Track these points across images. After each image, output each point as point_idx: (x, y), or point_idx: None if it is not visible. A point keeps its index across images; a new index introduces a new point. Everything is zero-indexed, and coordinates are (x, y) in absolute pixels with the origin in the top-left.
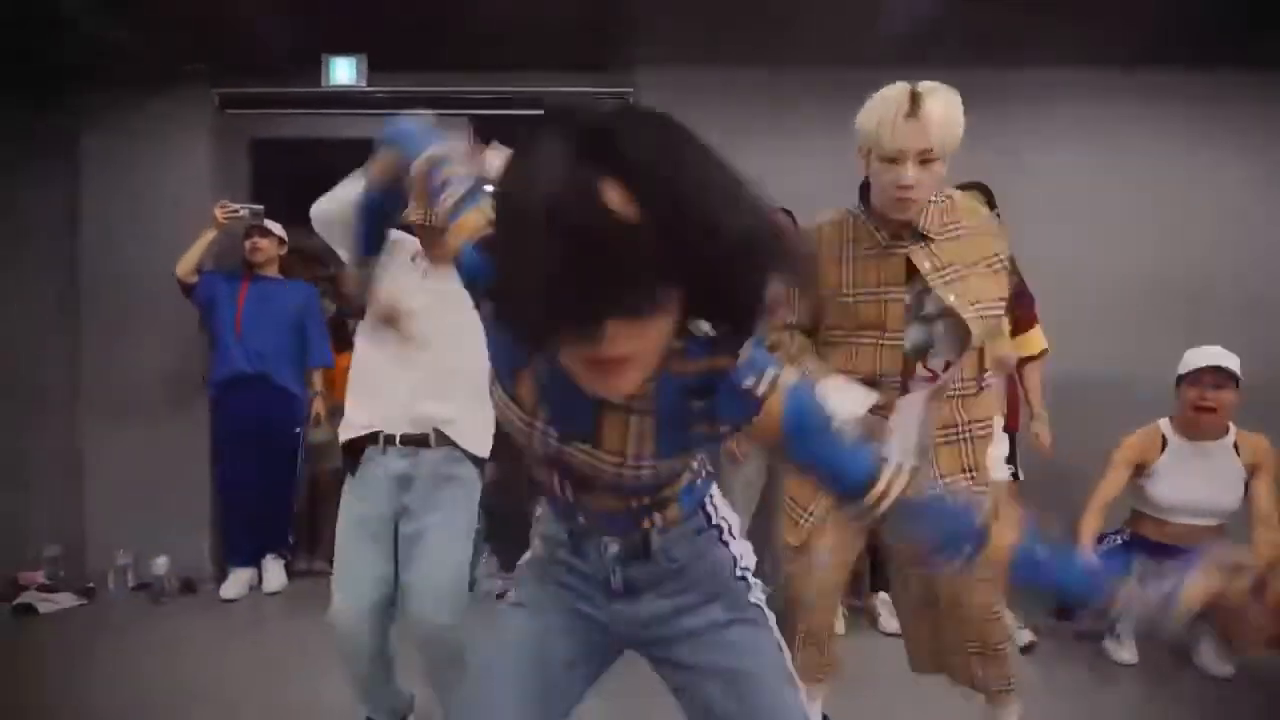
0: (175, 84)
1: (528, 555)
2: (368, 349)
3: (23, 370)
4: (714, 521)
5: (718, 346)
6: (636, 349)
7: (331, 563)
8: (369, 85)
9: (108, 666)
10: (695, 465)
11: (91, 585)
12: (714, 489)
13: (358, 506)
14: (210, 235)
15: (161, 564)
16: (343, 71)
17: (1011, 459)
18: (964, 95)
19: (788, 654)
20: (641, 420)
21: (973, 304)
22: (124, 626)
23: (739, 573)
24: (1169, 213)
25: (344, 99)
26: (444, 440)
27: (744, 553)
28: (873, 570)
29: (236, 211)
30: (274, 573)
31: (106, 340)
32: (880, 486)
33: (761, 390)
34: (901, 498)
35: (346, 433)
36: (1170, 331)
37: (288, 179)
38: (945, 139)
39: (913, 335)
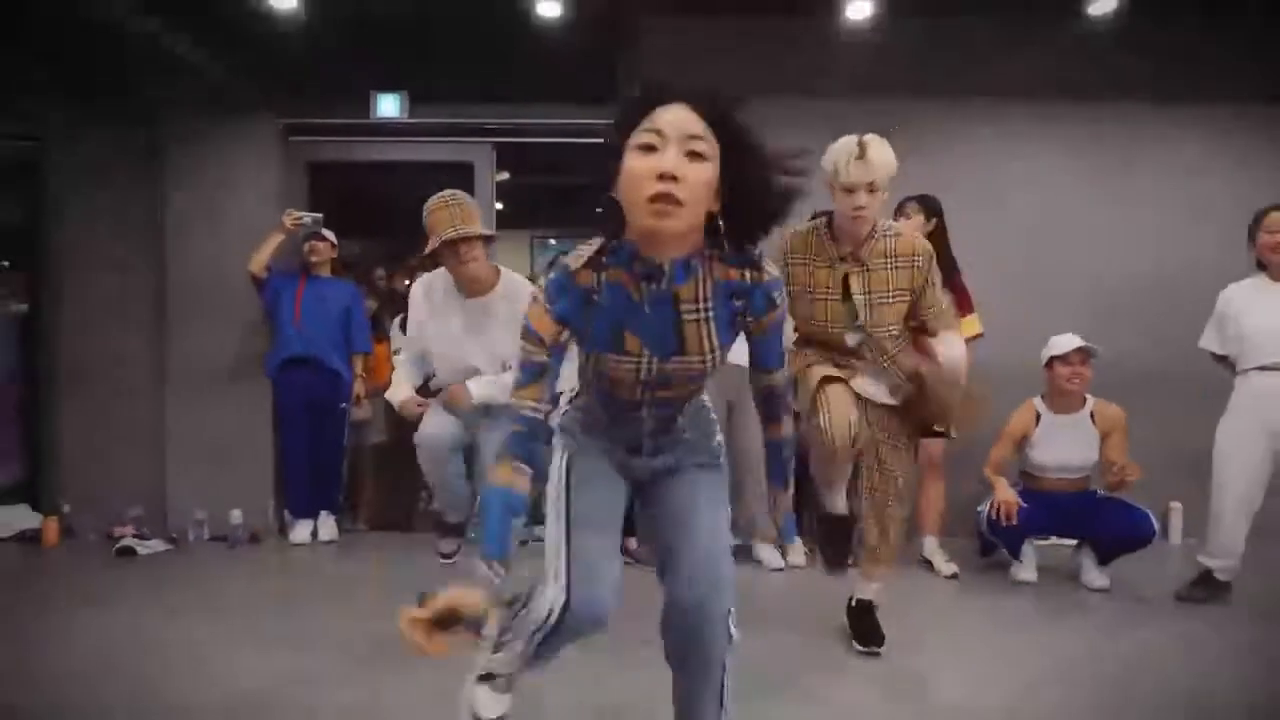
0: (248, 114)
1: (563, 416)
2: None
3: (116, 354)
4: (706, 406)
5: (741, 260)
6: (687, 175)
7: (372, 527)
8: (410, 117)
9: (194, 598)
10: None
11: (175, 536)
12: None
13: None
14: (278, 238)
15: (237, 516)
16: (387, 105)
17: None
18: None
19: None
20: (707, 323)
21: (887, 324)
22: (205, 567)
23: (716, 435)
24: (1084, 223)
25: (388, 129)
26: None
27: (718, 415)
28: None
29: (301, 219)
30: (328, 526)
31: (187, 329)
32: (782, 374)
33: (779, 299)
34: (779, 388)
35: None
36: (1061, 325)
37: (339, 195)
38: (884, 175)
39: (849, 337)
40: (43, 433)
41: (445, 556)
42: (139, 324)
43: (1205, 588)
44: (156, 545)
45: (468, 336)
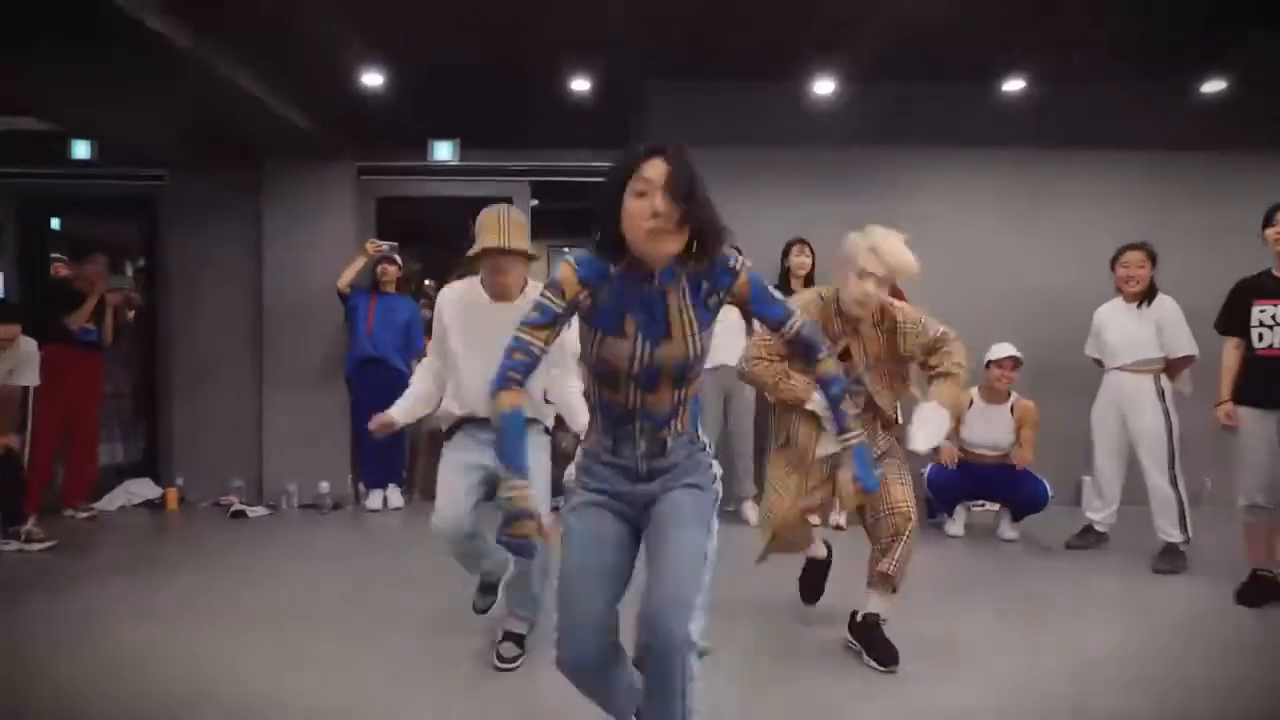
0: (329, 158)
1: (571, 472)
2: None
3: (221, 356)
4: (700, 440)
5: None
6: (670, 212)
7: (425, 497)
8: (461, 160)
9: (294, 551)
10: (698, 397)
11: (272, 504)
12: (700, 425)
13: (459, 456)
14: (361, 261)
15: (325, 487)
16: (443, 150)
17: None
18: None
19: (715, 518)
20: (686, 310)
21: (885, 387)
22: (300, 528)
23: (712, 470)
24: (1004, 249)
25: (443, 170)
26: None
27: (715, 462)
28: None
29: (381, 246)
30: (395, 496)
31: (279, 335)
32: (792, 321)
33: (736, 265)
34: (800, 331)
35: (447, 419)
36: (987, 333)
37: (401, 224)
38: (894, 270)
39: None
40: (160, 420)
41: (504, 660)
42: (240, 331)
43: (1087, 536)
44: (260, 510)
45: (492, 339)
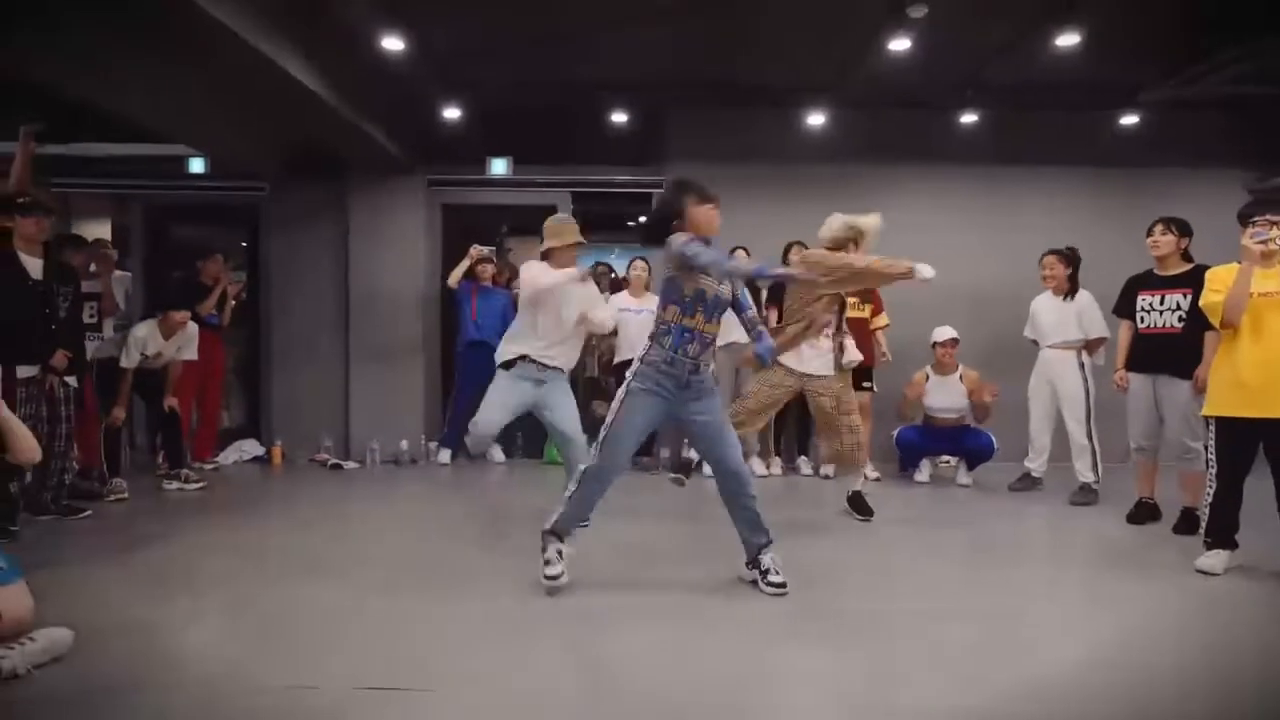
0: (405, 172)
1: (635, 370)
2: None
3: (313, 337)
4: (711, 373)
5: None
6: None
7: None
8: (514, 173)
9: (381, 496)
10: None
11: (359, 460)
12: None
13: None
14: (467, 263)
15: (404, 444)
16: (499, 166)
17: (869, 379)
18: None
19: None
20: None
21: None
22: (383, 479)
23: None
24: (964, 249)
25: (499, 181)
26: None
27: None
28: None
29: (483, 251)
30: (496, 453)
31: (361, 320)
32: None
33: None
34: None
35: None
36: (947, 318)
37: (463, 228)
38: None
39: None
40: (261, 390)
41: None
42: (329, 316)
43: (1025, 481)
44: (351, 464)
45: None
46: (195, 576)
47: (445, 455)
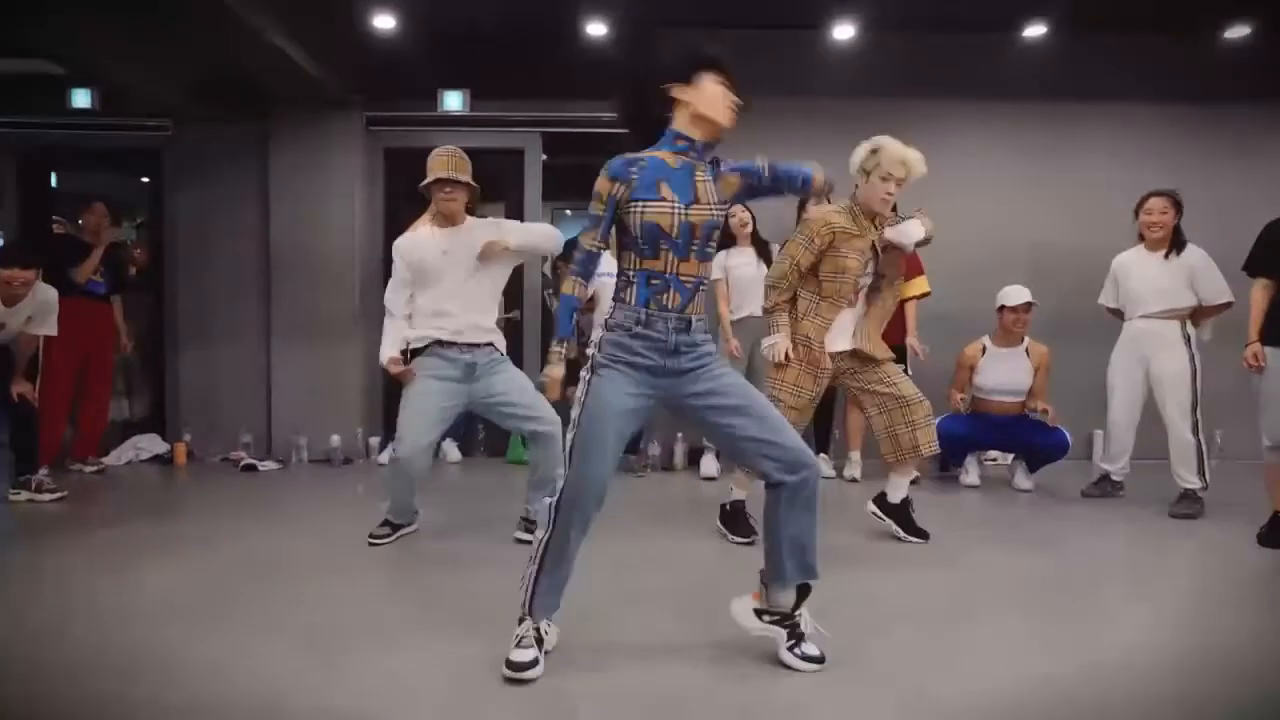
0: (338, 108)
1: (599, 341)
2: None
3: (228, 309)
4: (709, 335)
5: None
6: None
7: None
8: (471, 110)
9: (305, 502)
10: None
11: (282, 458)
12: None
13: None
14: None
15: (335, 440)
16: (453, 100)
17: (901, 359)
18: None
19: None
20: (708, 181)
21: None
22: (310, 481)
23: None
24: (1022, 200)
25: (453, 120)
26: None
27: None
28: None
29: None
30: (452, 451)
31: (287, 287)
32: (763, 164)
33: (722, 167)
34: (776, 167)
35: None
36: (1006, 281)
37: (410, 177)
38: (910, 167)
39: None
40: (167, 374)
41: (375, 539)
42: (247, 283)
43: (1103, 485)
44: (270, 465)
45: (445, 260)
46: None
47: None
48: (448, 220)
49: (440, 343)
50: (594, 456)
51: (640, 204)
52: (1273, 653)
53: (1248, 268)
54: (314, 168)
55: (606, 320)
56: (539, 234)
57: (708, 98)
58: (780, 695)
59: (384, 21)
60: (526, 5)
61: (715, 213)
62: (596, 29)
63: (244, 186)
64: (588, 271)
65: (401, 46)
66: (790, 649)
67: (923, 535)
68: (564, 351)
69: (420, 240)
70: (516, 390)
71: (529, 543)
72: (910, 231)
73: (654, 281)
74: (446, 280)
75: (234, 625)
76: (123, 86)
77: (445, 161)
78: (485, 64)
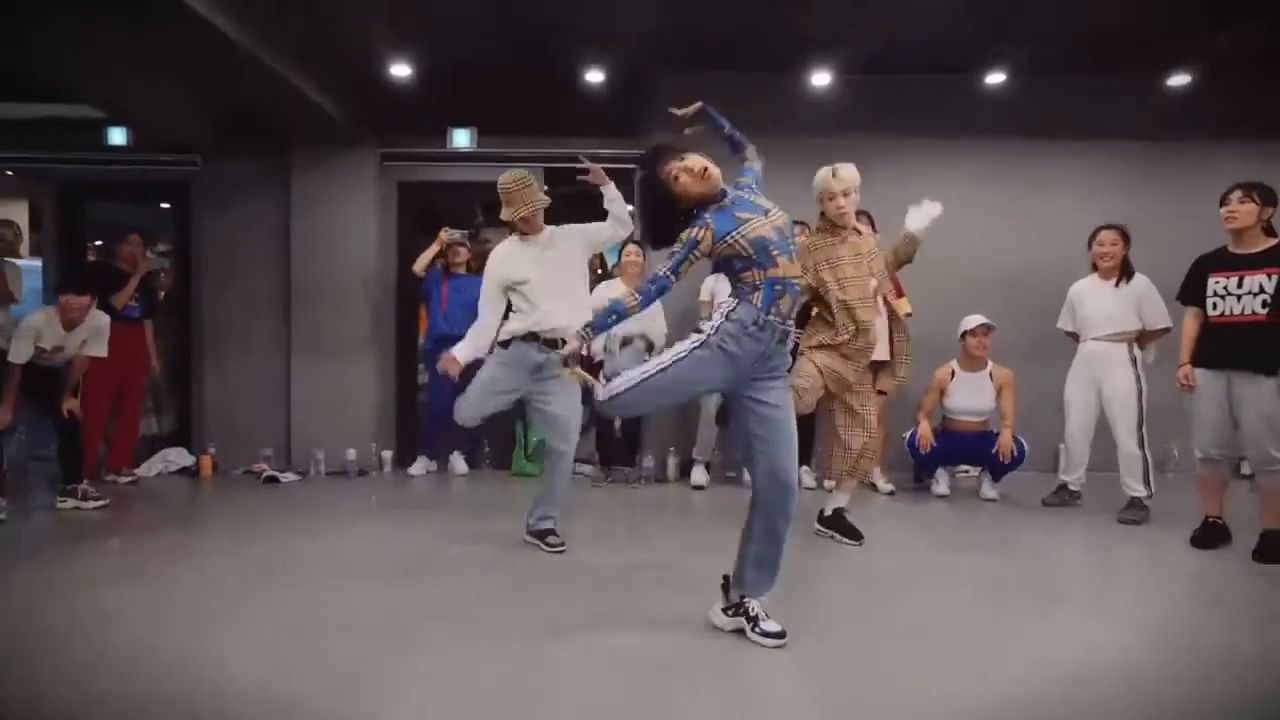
0: (354, 145)
1: (719, 327)
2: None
3: (250, 330)
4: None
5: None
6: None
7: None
8: (478, 147)
9: (325, 513)
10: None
11: (301, 470)
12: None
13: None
14: (436, 248)
15: (352, 454)
16: (461, 137)
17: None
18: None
19: None
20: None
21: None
22: (328, 493)
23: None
24: (991, 232)
25: (461, 156)
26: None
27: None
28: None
29: (454, 234)
30: (459, 464)
31: (306, 311)
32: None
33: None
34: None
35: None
36: (975, 307)
37: (421, 208)
38: (849, 181)
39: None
40: (193, 392)
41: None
42: (268, 306)
43: (1061, 495)
44: (290, 476)
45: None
46: None
47: (419, 466)
48: (534, 231)
49: (532, 336)
50: (650, 396)
51: (738, 227)
52: (1206, 638)
53: (1180, 297)
54: (331, 199)
55: (728, 312)
56: (624, 209)
57: (686, 167)
58: (755, 696)
59: (399, 70)
60: (529, 49)
61: (779, 216)
62: (596, 75)
63: (266, 216)
64: (650, 299)
65: (413, 88)
66: (753, 630)
67: (857, 536)
68: (587, 337)
69: (509, 254)
70: (560, 401)
71: (535, 544)
72: (924, 212)
73: (777, 287)
74: (542, 281)
75: (259, 627)
76: (155, 124)
77: (534, 191)
78: (491, 103)
